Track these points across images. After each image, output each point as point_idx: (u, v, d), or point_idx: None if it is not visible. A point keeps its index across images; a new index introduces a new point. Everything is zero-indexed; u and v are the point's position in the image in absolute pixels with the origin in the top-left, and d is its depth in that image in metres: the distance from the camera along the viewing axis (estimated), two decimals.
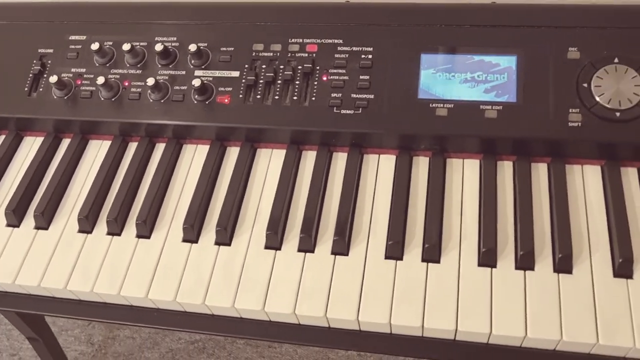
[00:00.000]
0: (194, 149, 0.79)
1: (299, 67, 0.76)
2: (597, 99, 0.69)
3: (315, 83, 0.75)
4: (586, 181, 0.70)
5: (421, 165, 0.74)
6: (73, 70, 0.81)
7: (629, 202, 0.67)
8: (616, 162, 0.70)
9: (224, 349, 1.40)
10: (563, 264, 0.64)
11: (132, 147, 0.81)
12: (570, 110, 0.70)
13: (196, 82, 0.75)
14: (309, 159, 0.76)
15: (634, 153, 0.69)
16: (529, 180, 0.70)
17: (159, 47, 0.77)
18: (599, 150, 0.70)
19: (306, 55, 0.76)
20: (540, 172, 0.72)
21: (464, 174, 0.72)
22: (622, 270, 0.63)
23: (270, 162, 0.76)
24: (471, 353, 0.64)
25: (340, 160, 0.75)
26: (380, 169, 0.74)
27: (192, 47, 0.77)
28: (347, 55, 0.76)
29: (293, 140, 0.76)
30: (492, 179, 0.70)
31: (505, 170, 0.72)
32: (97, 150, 0.81)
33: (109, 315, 0.72)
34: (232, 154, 0.78)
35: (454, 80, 0.73)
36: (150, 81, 0.75)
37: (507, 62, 0.73)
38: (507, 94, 0.72)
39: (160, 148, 0.79)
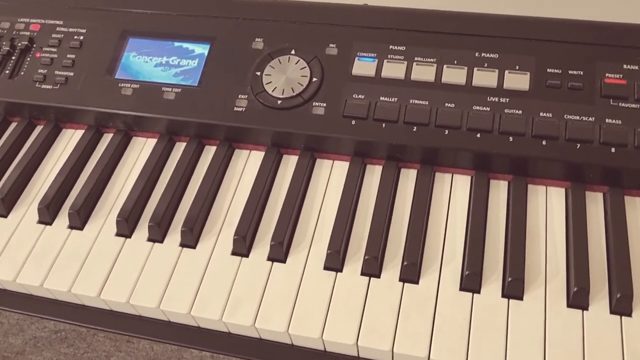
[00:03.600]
0: None
1: (19, 44, 0.80)
2: (265, 86, 0.71)
3: (28, 59, 0.79)
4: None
5: (137, 145, 0.76)
6: None
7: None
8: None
9: (84, 340, 1.42)
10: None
11: None
12: (239, 96, 0.72)
13: None
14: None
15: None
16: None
17: None
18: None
19: (28, 33, 0.80)
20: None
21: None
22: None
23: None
24: None
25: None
26: (71, 143, 0.77)
27: None
28: (62, 36, 0.79)
29: (11, 113, 0.81)
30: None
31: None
32: None
33: None
34: None
35: (150, 63, 0.76)
36: None
37: (201, 49, 0.76)
38: (192, 78, 0.74)
39: None
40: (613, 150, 0.63)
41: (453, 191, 0.67)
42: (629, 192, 0.64)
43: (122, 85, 0.75)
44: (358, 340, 0.57)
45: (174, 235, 0.67)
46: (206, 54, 0.75)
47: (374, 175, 0.69)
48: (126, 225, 0.67)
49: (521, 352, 0.55)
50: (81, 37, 0.79)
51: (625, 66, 0.66)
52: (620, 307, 0.56)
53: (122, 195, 0.71)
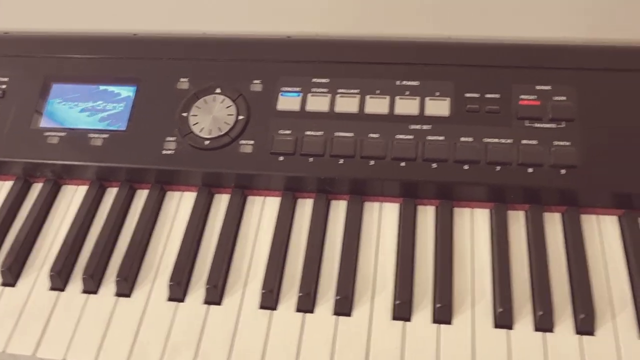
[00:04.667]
0: None
1: None
2: (192, 127, 0.72)
3: None
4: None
5: (68, 193, 0.75)
6: None
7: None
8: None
9: None
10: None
11: None
12: (166, 139, 0.72)
13: None
14: None
15: (266, 182, 0.71)
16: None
17: None
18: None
19: None
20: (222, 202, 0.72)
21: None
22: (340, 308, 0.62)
23: None
24: None
25: None
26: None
27: None
28: None
29: None
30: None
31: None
32: None
33: None
34: None
35: (75, 109, 0.76)
36: None
37: (127, 92, 0.76)
38: (119, 122, 0.74)
39: None
40: (530, 170, 0.65)
41: (382, 220, 0.68)
42: (548, 208, 0.67)
43: (48, 134, 0.74)
44: None
45: (109, 285, 0.67)
46: (132, 96, 0.75)
47: (304, 208, 0.70)
48: (59, 279, 0.66)
49: None
50: (3, 87, 0.78)
51: (537, 87, 0.69)
52: (543, 324, 0.59)
53: (54, 247, 0.70)
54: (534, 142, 0.66)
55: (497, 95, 0.69)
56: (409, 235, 0.66)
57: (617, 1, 0.76)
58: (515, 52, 0.71)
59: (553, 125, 0.67)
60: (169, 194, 0.73)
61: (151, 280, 0.66)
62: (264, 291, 0.63)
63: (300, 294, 0.62)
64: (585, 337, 0.58)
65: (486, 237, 0.66)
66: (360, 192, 0.69)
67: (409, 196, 0.69)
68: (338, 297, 0.62)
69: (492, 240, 0.65)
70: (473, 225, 0.67)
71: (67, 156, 0.73)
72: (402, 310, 0.61)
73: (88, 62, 0.78)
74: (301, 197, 0.71)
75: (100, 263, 0.67)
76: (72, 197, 0.74)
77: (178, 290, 0.64)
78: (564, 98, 0.68)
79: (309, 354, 0.59)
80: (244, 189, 0.71)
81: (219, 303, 0.64)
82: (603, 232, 0.65)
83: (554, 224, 0.66)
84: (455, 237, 0.66)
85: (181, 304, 0.64)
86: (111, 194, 0.74)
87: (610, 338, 0.58)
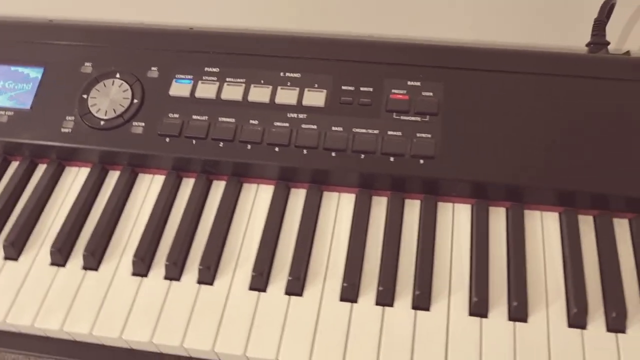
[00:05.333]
0: None
1: None
2: (90, 108, 0.77)
3: None
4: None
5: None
6: None
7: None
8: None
9: None
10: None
11: None
12: (66, 118, 0.77)
13: None
14: None
15: (154, 162, 0.75)
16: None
17: None
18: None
19: None
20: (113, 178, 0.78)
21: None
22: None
23: None
24: None
25: None
26: None
27: None
28: None
29: None
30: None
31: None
32: None
33: None
34: None
35: None
36: None
37: (35, 74, 0.81)
38: (25, 101, 0.79)
39: None
40: (392, 159, 0.70)
41: (256, 200, 0.73)
42: (408, 196, 0.72)
43: None
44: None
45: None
46: (40, 77, 0.80)
47: (187, 187, 0.75)
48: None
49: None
50: None
51: (409, 82, 0.74)
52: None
53: None
54: (399, 133, 0.71)
55: (370, 89, 0.74)
56: (277, 216, 0.71)
57: (492, 9, 0.81)
58: (391, 49, 0.76)
59: (418, 119, 0.72)
60: (67, 169, 0.78)
61: (38, 246, 0.72)
62: (134, 259, 0.68)
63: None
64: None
65: (349, 220, 0.71)
66: (239, 175, 0.74)
67: (285, 180, 0.74)
68: (200, 266, 0.67)
69: (353, 223, 0.70)
70: (338, 209, 0.72)
71: None
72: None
73: (3, 44, 0.83)
74: (186, 177, 0.76)
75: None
76: None
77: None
78: (430, 94, 0.73)
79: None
80: (135, 167, 0.77)
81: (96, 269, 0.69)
82: (456, 220, 0.70)
83: (413, 209, 0.71)
84: (320, 220, 0.71)
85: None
86: (13, 168, 0.79)
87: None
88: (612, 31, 0.84)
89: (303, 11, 0.89)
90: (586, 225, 0.69)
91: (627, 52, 0.84)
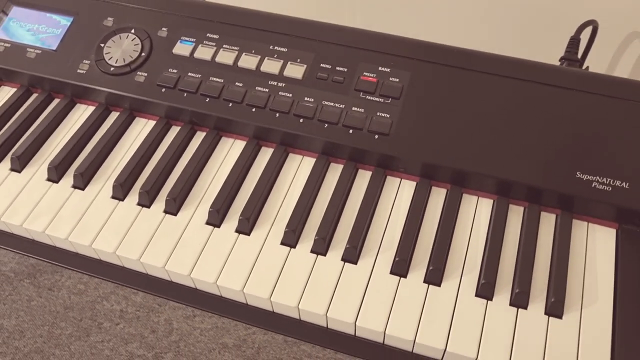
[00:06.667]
0: None
1: None
2: (104, 55, 0.88)
3: None
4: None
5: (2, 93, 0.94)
6: None
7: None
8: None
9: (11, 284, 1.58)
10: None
11: None
12: (83, 61, 0.89)
13: None
14: None
15: (150, 108, 0.86)
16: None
17: None
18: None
19: None
20: (112, 118, 0.90)
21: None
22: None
23: None
24: None
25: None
26: None
27: None
28: None
29: None
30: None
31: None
32: None
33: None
34: None
35: (24, 28, 0.94)
36: None
37: (66, 22, 0.93)
38: (52, 43, 0.91)
39: None
40: (351, 131, 0.78)
41: (229, 155, 0.83)
42: (361, 166, 0.80)
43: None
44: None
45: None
46: (68, 25, 0.92)
47: (172, 133, 0.85)
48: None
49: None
50: None
51: (380, 68, 0.82)
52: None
53: None
54: (361, 110, 0.79)
55: (345, 69, 0.82)
56: (244, 170, 0.80)
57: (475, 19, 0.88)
58: (370, 38, 0.84)
59: (381, 100, 0.80)
60: (77, 106, 0.90)
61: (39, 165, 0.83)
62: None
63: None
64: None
65: (303, 182, 0.80)
66: (219, 129, 0.84)
67: (257, 138, 0.83)
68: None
69: (307, 184, 0.78)
70: (298, 170, 0.81)
71: (6, 62, 0.91)
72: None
73: None
74: (175, 125, 0.86)
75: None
76: (4, 97, 0.92)
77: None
78: (397, 80, 0.81)
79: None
80: (134, 111, 0.87)
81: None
82: (399, 195, 0.77)
83: (363, 180, 0.79)
84: (279, 179, 0.80)
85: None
86: (32, 98, 0.91)
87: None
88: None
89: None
90: (515, 214, 0.75)
91: (587, 68, 0.90)
